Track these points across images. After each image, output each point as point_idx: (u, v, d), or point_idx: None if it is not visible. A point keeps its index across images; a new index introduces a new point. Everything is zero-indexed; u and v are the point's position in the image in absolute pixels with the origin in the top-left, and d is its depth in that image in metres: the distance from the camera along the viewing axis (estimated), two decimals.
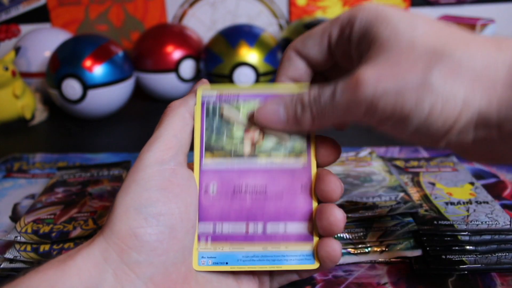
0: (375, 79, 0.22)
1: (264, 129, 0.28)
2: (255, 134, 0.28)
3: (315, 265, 0.27)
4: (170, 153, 0.26)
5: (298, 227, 0.27)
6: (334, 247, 0.26)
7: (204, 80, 0.30)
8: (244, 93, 0.28)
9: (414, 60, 0.22)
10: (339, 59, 0.27)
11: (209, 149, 0.28)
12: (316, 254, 0.27)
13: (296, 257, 0.27)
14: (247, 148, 0.28)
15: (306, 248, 0.27)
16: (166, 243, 0.25)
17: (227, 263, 0.27)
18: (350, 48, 0.26)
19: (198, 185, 0.28)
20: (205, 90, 0.29)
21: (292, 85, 0.28)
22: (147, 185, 0.25)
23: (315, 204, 0.27)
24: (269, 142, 0.28)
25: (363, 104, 0.23)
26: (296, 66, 0.28)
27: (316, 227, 0.27)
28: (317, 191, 0.27)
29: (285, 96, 0.27)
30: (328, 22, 0.27)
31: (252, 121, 0.28)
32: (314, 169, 0.28)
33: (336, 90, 0.24)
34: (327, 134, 0.28)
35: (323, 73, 0.30)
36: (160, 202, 0.25)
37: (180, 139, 0.27)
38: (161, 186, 0.25)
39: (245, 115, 0.28)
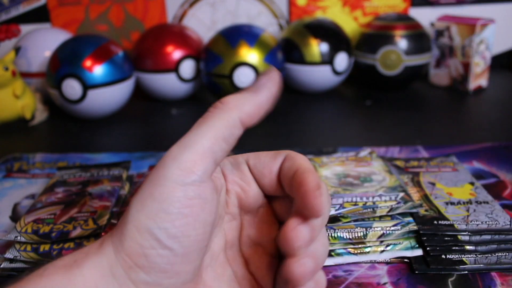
0: None
1: None
2: None
3: None
4: (201, 167, 0.23)
5: None
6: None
7: (273, 68, 0.26)
8: None
9: None
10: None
11: None
12: None
13: None
14: None
15: None
16: (178, 266, 0.23)
17: None
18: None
19: None
20: None
21: None
22: (165, 203, 0.22)
23: None
24: None
25: None
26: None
27: None
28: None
29: None
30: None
31: None
32: None
33: None
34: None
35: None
36: (177, 224, 0.22)
37: (217, 152, 0.23)
38: (181, 206, 0.22)
39: None
